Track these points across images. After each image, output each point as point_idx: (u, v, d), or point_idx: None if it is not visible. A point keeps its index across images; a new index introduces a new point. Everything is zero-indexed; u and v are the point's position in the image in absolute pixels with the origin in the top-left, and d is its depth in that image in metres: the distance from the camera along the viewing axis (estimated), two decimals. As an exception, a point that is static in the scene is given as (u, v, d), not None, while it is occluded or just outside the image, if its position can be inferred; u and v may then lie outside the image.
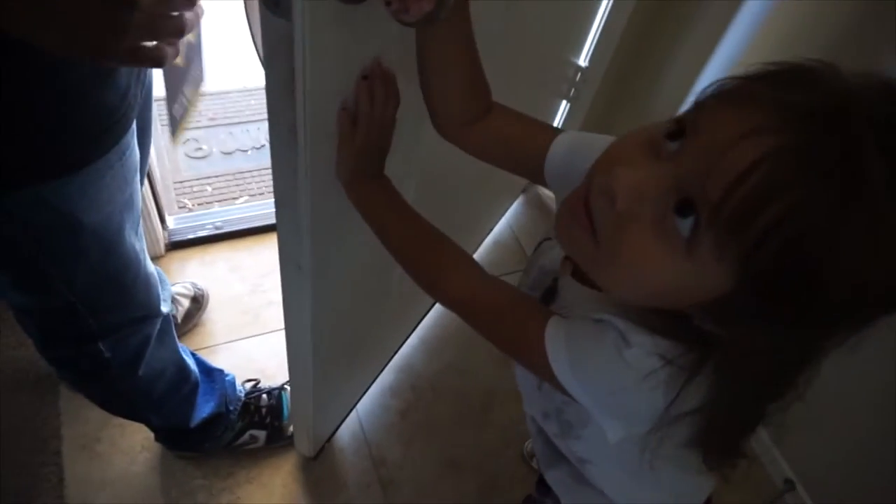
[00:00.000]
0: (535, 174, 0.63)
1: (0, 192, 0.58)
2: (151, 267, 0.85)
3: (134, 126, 0.67)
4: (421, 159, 0.79)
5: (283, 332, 1.44)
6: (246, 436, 1.23)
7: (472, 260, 0.60)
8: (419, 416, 1.39)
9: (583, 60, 1.47)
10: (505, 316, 0.56)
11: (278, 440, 1.27)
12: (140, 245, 0.80)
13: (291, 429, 1.27)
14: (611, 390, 0.49)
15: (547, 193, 1.84)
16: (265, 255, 1.58)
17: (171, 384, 1.01)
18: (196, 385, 1.09)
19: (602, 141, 0.57)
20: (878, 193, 0.33)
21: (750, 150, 0.35)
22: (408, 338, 1.47)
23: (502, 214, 1.74)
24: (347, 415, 1.34)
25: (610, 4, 1.32)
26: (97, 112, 0.59)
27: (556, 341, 0.50)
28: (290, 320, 0.85)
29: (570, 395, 0.51)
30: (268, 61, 0.51)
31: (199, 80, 0.67)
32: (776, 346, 0.43)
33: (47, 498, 1.17)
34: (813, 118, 0.35)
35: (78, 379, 0.95)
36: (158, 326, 0.91)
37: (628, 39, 1.40)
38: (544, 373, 0.51)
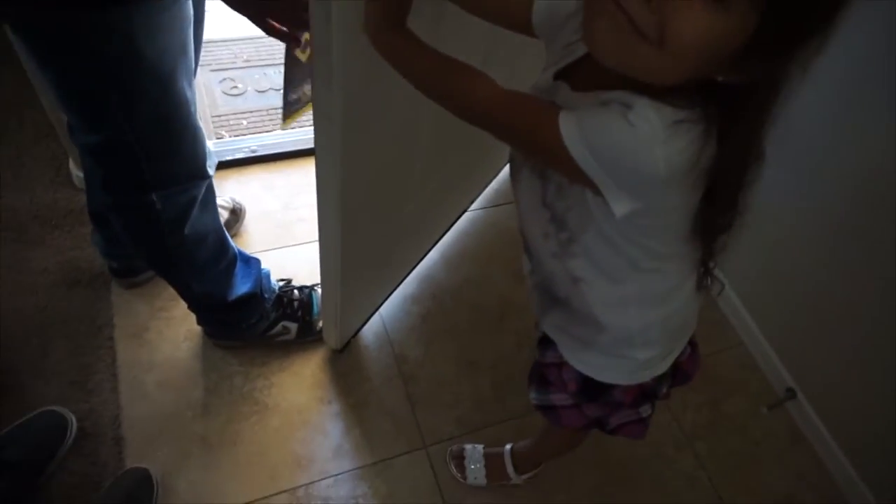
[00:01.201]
0: (525, 27, 0.72)
1: (87, 8, 0.69)
2: (200, 123, 0.96)
3: None
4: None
5: (312, 245, 1.56)
6: (279, 326, 1.34)
7: (490, 76, 0.69)
8: (439, 321, 1.49)
9: None
10: (524, 111, 0.64)
11: (308, 334, 1.38)
12: (192, 96, 0.91)
13: (321, 324, 1.38)
14: (619, 153, 0.56)
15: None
16: (296, 177, 1.69)
17: (213, 253, 1.13)
18: (234, 261, 1.21)
19: None
20: None
21: None
22: (429, 251, 1.57)
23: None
24: (371, 315, 1.45)
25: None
26: None
27: (568, 122, 0.57)
28: (321, 181, 0.94)
29: (580, 176, 0.58)
30: None
31: None
32: (776, 70, 0.52)
33: (103, 375, 1.30)
34: None
35: (131, 228, 1.07)
36: (203, 190, 1.02)
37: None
38: (559, 156, 0.58)
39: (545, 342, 0.93)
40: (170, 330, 1.39)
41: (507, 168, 1.76)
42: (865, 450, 1.34)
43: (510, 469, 1.26)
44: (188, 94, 0.90)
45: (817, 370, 1.42)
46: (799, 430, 1.45)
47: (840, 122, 1.23)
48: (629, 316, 0.78)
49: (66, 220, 1.50)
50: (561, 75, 0.68)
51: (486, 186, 1.71)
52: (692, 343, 0.90)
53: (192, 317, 1.36)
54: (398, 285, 1.50)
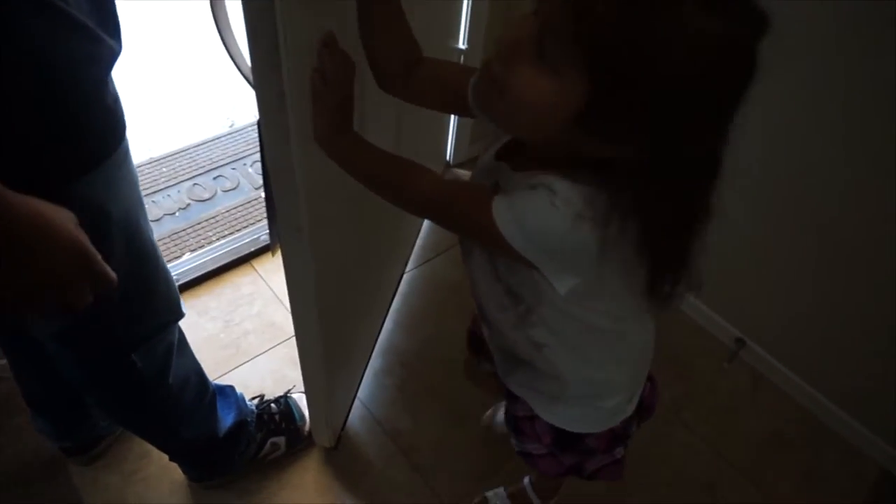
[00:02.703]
0: (463, 108, 0.77)
1: (56, 187, 0.67)
2: (167, 266, 0.94)
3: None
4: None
5: (266, 355, 1.53)
6: (267, 445, 1.29)
7: (432, 170, 0.74)
8: (416, 386, 1.50)
9: (461, 43, 1.66)
10: (459, 199, 0.69)
11: (297, 442, 1.34)
12: (154, 240, 0.89)
13: (307, 428, 1.34)
14: (552, 237, 0.61)
15: (468, 174, 2.01)
16: (226, 294, 1.65)
17: (196, 393, 1.09)
18: (214, 395, 1.16)
19: None
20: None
21: None
22: (384, 322, 1.58)
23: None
24: (352, 404, 1.43)
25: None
26: (104, 113, 0.70)
27: (500, 209, 0.62)
28: (294, 293, 0.95)
29: (521, 257, 0.63)
30: (252, 39, 0.63)
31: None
32: (642, 145, 0.56)
33: (95, 564, 1.19)
34: None
35: (113, 398, 1.01)
36: (178, 335, 0.99)
37: (496, 15, 1.61)
38: (497, 241, 0.62)
39: (513, 395, 0.94)
40: (151, 491, 1.29)
41: (425, 224, 1.83)
42: (820, 370, 1.50)
43: (535, 500, 1.29)
44: (153, 238, 0.88)
45: (756, 314, 1.57)
46: (760, 372, 1.60)
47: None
48: (593, 371, 0.83)
49: (-5, 418, 1.36)
50: (502, 155, 0.73)
51: (413, 246, 1.76)
52: (649, 377, 0.94)
53: (171, 467, 1.29)
54: (366, 365, 1.50)
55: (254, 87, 0.69)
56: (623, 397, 0.88)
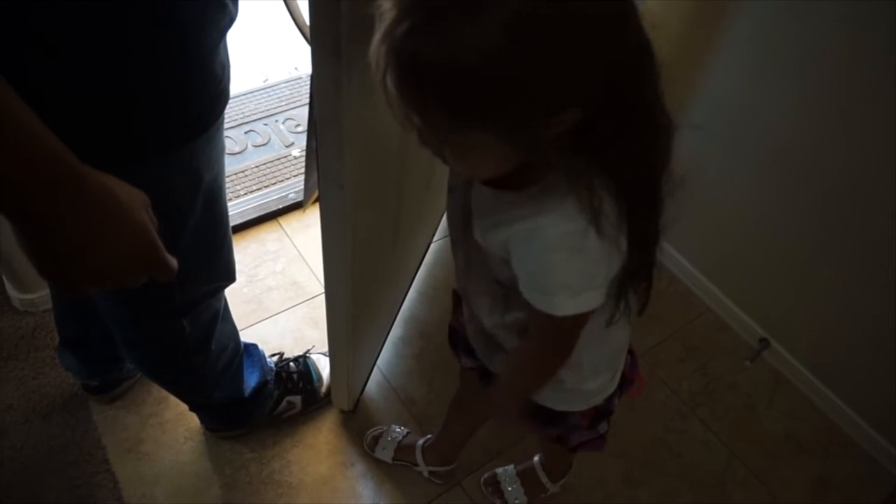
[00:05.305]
0: None
1: (162, 152, 0.68)
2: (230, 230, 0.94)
3: None
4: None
5: (288, 312, 1.53)
6: (284, 403, 1.30)
7: None
8: (434, 357, 1.50)
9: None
10: None
11: (313, 403, 1.35)
12: (227, 204, 0.89)
13: (324, 390, 1.35)
14: (556, 275, 0.63)
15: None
16: (251, 249, 1.65)
17: (230, 357, 1.10)
18: (242, 356, 1.17)
19: None
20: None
21: None
22: (407, 292, 1.58)
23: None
24: (371, 370, 1.44)
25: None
26: (213, 80, 0.70)
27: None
28: (328, 250, 0.94)
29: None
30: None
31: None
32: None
33: (108, 502, 1.21)
34: None
35: (156, 359, 1.02)
36: (223, 302, 0.99)
37: None
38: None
39: (486, 378, 0.94)
40: (166, 435, 1.31)
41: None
42: (842, 376, 1.47)
43: (545, 479, 1.29)
44: (227, 204, 0.88)
45: (783, 315, 1.55)
46: (781, 374, 1.57)
47: (755, 98, 1.36)
48: (575, 361, 0.80)
49: (19, 349, 1.38)
50: None
51: (441, 216, 1.74)
52: (629, 350, 0.92)
53: (188, 416, 1.30)
54: (388, 333, 1.50)
55: (309, 39, 0.68)
56: (606, 377, 0.88)
